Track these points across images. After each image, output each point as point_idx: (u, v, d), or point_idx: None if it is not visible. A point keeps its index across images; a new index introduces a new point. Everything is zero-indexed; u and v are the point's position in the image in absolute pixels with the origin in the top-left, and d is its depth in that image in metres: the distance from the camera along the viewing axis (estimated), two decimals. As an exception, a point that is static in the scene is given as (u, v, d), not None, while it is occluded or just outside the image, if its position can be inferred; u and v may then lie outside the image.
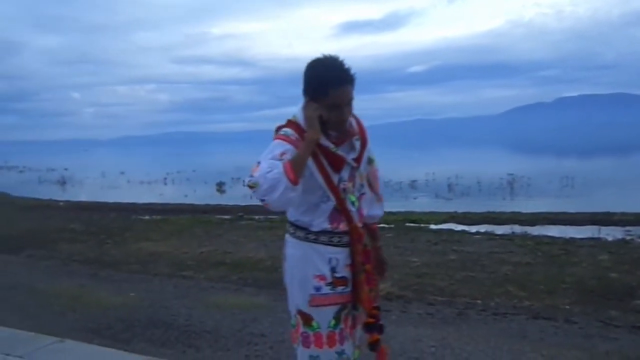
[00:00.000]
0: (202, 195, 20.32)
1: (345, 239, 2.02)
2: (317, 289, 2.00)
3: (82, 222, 11.31)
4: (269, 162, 1.86)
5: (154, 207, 15.43)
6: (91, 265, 6.99)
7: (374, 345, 2.08)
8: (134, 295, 5.33)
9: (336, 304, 2.02)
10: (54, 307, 4.96)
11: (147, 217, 12.92)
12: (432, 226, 10.70)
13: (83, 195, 21.29)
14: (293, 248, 2.07)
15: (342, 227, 2.03)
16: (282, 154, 1.88)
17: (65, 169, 39.11)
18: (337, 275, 2.02)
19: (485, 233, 9.23)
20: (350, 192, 2.04)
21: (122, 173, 35.54)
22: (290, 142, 1.92)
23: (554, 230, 9.77)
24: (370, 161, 2.18)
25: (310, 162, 1.94)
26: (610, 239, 8.41)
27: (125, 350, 3.74)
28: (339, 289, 2.02)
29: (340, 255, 2.02)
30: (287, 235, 2.12)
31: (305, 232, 2.04)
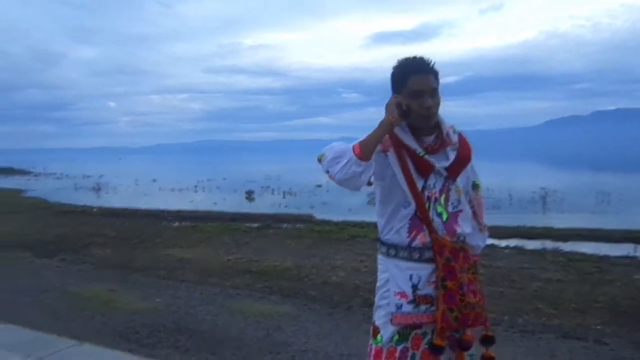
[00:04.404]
0: (231, 203, 20.49)
1: (427, 254, 1.92)
2: (398, 306, 1.93)
3: (114, 228, 11.58)
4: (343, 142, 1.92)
5: (184, 214, 15.63)
6: (121, 270, 7.14)
7: None
8: (160, 301, 5.41)
9: (421, 323, 1.92)
10: (84, 310, 5.09)
11: (176, 224, 13.14)
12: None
13: (116, 201, 21.73)
14: (379, 264, 2.05)
15: (421, 238, 1.93)
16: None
17: (101, 176, 40.08)
18: (420, 292, 1.92)
19: (515, 248, 9.04)
20: (439, 203, 1.95)
21: (154, 180, 36.20)
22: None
23: (587, 247, 9.47)
24: (475, 187, 2.10)
25: (396, 163, 1.94)
26: (646, 257, 8.12)
27: (150, 356, 3.81)
28: (423, 307, 1.92)
29: (422, 271, 1.93)
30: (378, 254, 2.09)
31: (387, 248, 2.00)
